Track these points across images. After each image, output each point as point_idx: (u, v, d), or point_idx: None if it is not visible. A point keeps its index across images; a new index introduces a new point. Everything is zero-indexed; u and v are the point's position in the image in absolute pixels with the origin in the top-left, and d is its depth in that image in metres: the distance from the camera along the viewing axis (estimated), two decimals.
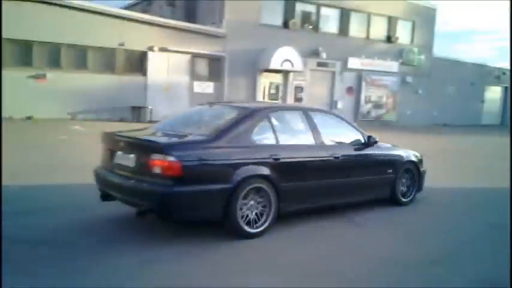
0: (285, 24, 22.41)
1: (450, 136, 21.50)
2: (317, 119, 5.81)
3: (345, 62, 24.48)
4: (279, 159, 5.01)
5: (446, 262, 4.58)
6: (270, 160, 4.94)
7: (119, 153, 4.88)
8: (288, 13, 22.54)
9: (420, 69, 26.98)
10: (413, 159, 7.00)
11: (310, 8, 23.50)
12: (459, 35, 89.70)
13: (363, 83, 25.34)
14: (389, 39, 25.85)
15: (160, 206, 4.38)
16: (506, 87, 33.07)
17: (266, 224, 4.92)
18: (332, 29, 24.33)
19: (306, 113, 5.77)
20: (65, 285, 3.58)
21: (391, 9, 25.70)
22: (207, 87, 20.67)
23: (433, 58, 27.84)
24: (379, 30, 25.70)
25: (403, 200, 6.78)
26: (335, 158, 5.66)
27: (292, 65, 21.69)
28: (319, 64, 23.68)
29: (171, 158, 4.29)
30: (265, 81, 22.51)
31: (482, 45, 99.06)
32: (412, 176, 6.90)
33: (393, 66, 26.16)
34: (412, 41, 27.00)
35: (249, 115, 5.16)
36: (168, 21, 20.08)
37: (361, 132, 6.30)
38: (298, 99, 23.36)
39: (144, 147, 4.68)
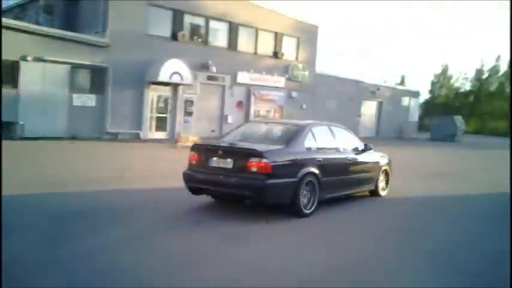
0: (174, 36, 21.97)
1: None
2: (335, 130, 8.18)
3: (235, 76, 24.77)
4: (320, 160, 7.15)
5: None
6: (316, 161, 7.05)
7: (214, 158, 6.74)
8: (177, 25, 22.14)
9: (304, 84, 28.41)
10: (387, 161, 9.46)
11: (199, 21, 23.39)
12: (339, 52, 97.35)
13: (252, 98, 25.87)
14: (276, 54, 26.82)
15: (259, 193, 6.35)
16: (380, 102, 36.39)
17: (313, 208, 7.00)
18: (221, 42, 24.49)
19: (330, 127, 8.14)
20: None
21: (277, 25, 26.73)
22: (88, 100, 19.28)
23: (316, 74, 29.52)
24: (266, 45, 26.53)
25: (382, 193, 9.26)
26: (347, 160, 7.98)
27: (182, 78, 21.27)
28: (209, 78, 23.62)
29: (265, 160, 6.30)
30: (153, 94, 21.74)
31: (358, 62, 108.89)
32: (387, 175, 9.39)
33: (280, 81, 27.17)
34: (297, 57, 28.35)
35: (301, 129, 7.32)
36: (43, 29, 18.46)
37: (360, 141, 8.66)
38: (188, 113, 22.98)
39: (243, 153, 6.62)
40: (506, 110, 58.92)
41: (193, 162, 7.06)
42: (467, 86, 69.09)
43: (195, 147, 7.23)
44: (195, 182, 6.96)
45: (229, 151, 6.74)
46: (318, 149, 7.29)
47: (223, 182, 6.53)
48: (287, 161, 6.65)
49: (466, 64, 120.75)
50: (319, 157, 7.14)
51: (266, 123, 8.87)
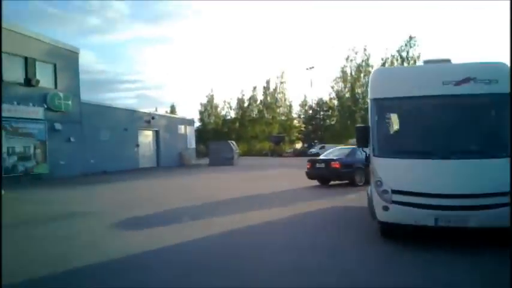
0: None
1: (117, 184, 19.86)
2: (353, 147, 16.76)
3: None
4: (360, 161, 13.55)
5: None
6: (359, 162, 14.40)
7: (317, 164, 16.95)
8: None
9: (69, 115, 24.81)
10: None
11: None
12: (105, 83, 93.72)
13: (4, 132, 20.91)
14: (29, 82, 22.56)
15: (336, 176, 16.32)
16: (157, 131, 35.20)
17: (362, 183, 15.33)
18: None
19: (352, 148, 16.76)
20: None
21: (27, 49, 22.67)
22: None
23: (82, 103, 26.22)
24: (15, 71, 22.08)
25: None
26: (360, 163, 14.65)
27: None
28: None
29: (337, 162, 16.09)
30: None
31: (126, 94, 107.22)
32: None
33: (38, 112, 22.93)
34: (55, 85, 24.57)
35: (352, 149, 16.50)
36: None
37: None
38: None
39: (328, 160, 16.58)
40: (267, 133, 66.46)
41: (308, 166, 16.86)
42: (232, 114, 75.49)
43: (311, 160, 17.45)
44: (311, 175, 16.86)
45: (323, 160, 16.78)
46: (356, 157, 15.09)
47: (323, 173, 16.32)
48: (349, 162, 15.75)
49: (228, 93, 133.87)
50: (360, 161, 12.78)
51: (339, 148, 19.21)
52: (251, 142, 66.44)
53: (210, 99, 76.23)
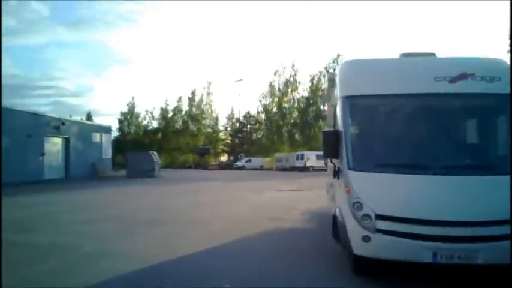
0: None
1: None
2: None
3: None
4: None
5: None
6: None
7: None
8: None
9: None
10: None
11: None
12: (15, 88, 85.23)
13: None
14: None
15: None
16: (67, 138, 31.37)
17: None
18: None
19: None
20: None
21: None
22: None
23: None
24: None
25: None
26: None
27: None
28: None
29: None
30: None
31: (39, 101, 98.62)
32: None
33: None
34: None
35: None
36: None
37: None
38: None
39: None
40: (192, 145, 63.85)
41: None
42: (155, 124, 71.76)
43: None
44: None
45: None
46: None
47: None
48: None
49: (150, 103, 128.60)
50: None
51: None
52: (174, 154, 63.42)
53: (131, 108, 71.96)
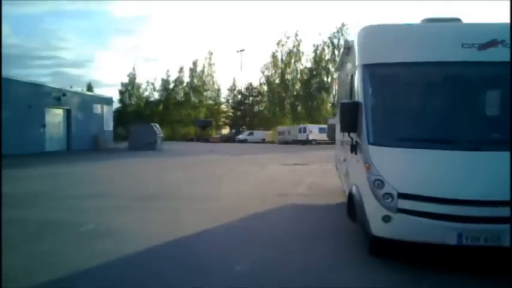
0: None
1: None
2: None
3: None
4: None
5: None
6: None
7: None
8: None
9: None
10: None
11: None
12: (15, 58, 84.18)
13: None
14: None
15: None
16: (68, 110, 30.94)
17: None
18: None
19: None
20: None
21: None
22: None
23: None
24: None
25: None
26: None
27: None
28: None
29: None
30: None
31: (38, 71, 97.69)
32: None
33: None
34: None
35: None
36: None
37: None
38: None
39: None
40: (193, 117, 63.33)
41: None
42: (156, 95, 71.06)
43: None
44: None
45: None
46: None
47: None
48: None
49: (152, 73, 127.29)
50: None
51: None
52: (175, 126, 62.99)
53: (132, 79, 71.04)
